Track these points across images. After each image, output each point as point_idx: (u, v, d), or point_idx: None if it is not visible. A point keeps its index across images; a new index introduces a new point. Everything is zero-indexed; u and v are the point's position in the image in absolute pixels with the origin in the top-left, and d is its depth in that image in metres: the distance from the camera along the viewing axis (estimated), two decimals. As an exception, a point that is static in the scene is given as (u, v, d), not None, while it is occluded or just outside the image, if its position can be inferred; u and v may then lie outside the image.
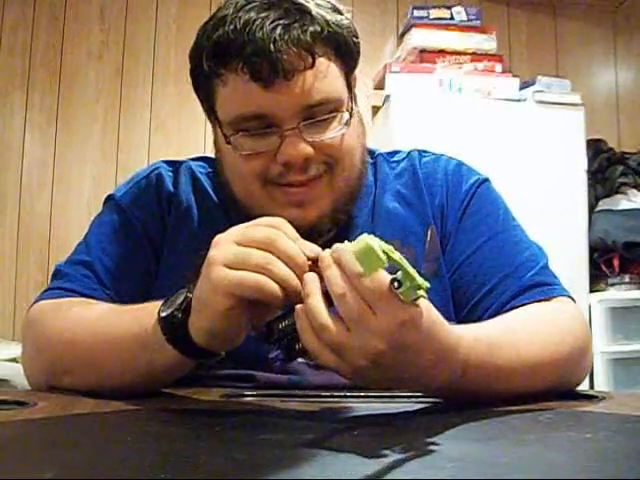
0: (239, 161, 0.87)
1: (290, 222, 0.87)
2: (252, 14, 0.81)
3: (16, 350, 2.24)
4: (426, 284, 0.59)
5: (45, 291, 0.92)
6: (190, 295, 0.69)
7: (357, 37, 0.90)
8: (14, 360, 2.21)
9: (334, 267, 0.60)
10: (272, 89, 0.81)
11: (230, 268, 0.63)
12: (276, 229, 0.64)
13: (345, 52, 0.87)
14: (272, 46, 0.79)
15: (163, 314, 0.69)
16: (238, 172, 0.89)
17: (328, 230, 0.91)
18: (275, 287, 0.62)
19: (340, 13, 0.87)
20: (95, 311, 0.84)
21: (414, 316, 0.60)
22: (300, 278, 0.62)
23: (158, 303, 0.72)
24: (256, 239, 0.64)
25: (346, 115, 0.87)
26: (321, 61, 0.84)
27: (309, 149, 0.84)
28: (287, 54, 0.80)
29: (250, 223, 0.67)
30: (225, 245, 0.65)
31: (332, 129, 0.86)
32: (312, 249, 0.64)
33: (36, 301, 0.91)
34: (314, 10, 0.84)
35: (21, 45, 2.96)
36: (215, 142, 0.93)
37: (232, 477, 0.42)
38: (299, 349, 0.62)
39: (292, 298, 0.62)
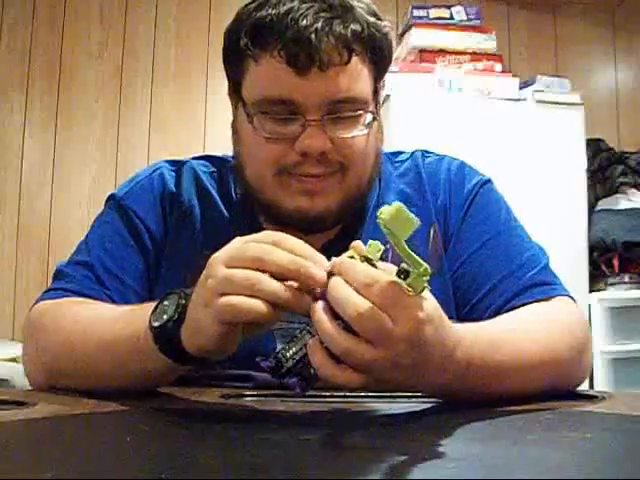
0: (258, 143, 0.87)
1: (297, 211, 0.88)
2: (296, 3, 0.82)
3: (16, 350, 2.24)
4: (429, 269, 0.58)
5: (46, 292, 0.92)
6: (182, 302, 0.67)
7: (392, 46, 0.91)
8: (14, 360, 2.21)
9: (340, 288, 0.59)
10: (305, 77, 0.82)
11: (221, 294, 0.61)
12: (270, 244, 0.62)
13: (379, 57, 0.88)
14: (313, 36, 0.80)
15: (155, 324, 0.68)
16: (255, 155, 0.89)
17: (332, 226, 0.91)
18: (262, 307, 0.60)
19: (381, 20, 0.88)
20: (91, 312, 0.84)
21: (429, 311, 0.60)
22: (299, 281, 0.61)
23: (151, 306, 0.71)
24: (246, 258, 0.62)
25: (369, 117, 0.88)
26: (356, 60, 0.85)
27: (328, 143, 0.85)
28: (326, 46, 0.81)
29: (246, 239, 0.65)
30: (216, 268, 0.63)
31: (354, 128, 0.87)
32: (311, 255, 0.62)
33: (37, 302, 0.91)
34: (357, 9, 0.85)
35: (21, 45, 2.96)
36: (233, 123, 0.93)
37: (232, 477, 0.42)
38: (315, 374, 0.60)
39: (289, 309, 0.62)
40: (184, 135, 2.99)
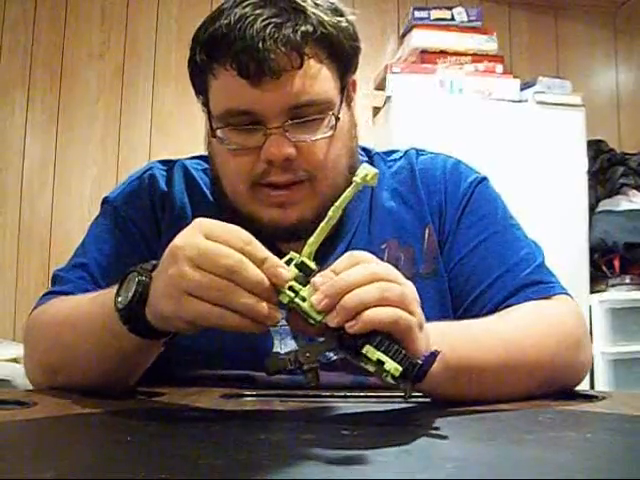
0: (226, 156, 0.87)
1: (272, 223, 0.87)
2: (247, 10, 0.82)
3: (17, 350, 2.25)
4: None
5: (42, 296, 0.93)
6: (142, 279, 0.67)
7: (356, 40, 0.89)
8: (15, 360, 2.21)
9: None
10: (259, 87, 0.82)
11: (191, 295, 0.61)
12: (239, 250, 0.61)
13: (340, 54, 0.87)
14: (261, 44, 0.79)
15: (120, 306, 0.69)
16: (227, 169, 0.89)
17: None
18: (236, 320, 0.60)
19: (341, 15, 0.86)
20: (71, 302, 0.85)
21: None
22: (267, 299, 0.61)
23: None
24: (218, 266, 0.60)
25: (334, 119, 0.86)
26: (311, 62, 0.83)
27: (291, 150, 0.83)
28: (275, 53, 0.80)
29: (206, 230, 0.63)
30: (182, 264, 0.61)
31: (318, 131, 0.85)
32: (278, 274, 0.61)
33: (34, 308, 0.92)
34: (310, 10, 0.83)
35: (22, 45, 2.96)
36: (207, 135, 0.93)
37: (232, 477, 0.42)
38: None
39: (262, 323, 0.61)
40: (185, 136, 2.98)
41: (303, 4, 0.83)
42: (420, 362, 0.58)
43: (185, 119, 3.01)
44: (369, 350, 0.58)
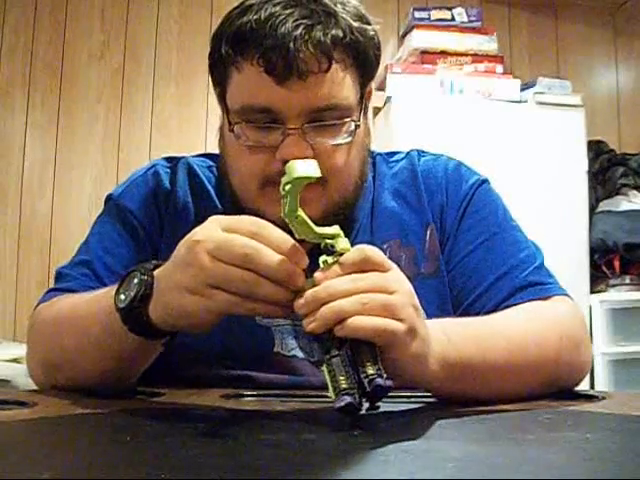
0: (241, 153, 0.87)
1: (279, 221, 0.87)
2: (278, 8, 0.81)
3: (17, 350, 2.25)
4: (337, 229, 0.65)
5: (45, 294, 0.93)
6: (145, 278, 0.68)
7: (379, 50, 0.89)
8: (15, 360, 2.21)
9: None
10: (284, 86, 0.81)
11: (215, 287, 0.62)
12: (254, 234, 0.62)
13: (364, 62, 0.87)
14: (291, 44, 0.79)
15: (121, 305, 0.69)
16: (239, 165, 0.89)
17: None
18: (264, 308, 0.62)
19: (368, 23, 0.87)
20: (74, 300, 0.85)
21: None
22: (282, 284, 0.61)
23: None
24: (234, 254, 0.61)
25: (353, 125, 0.86)
26: (337, 67, 0.83)
27: (309, 152, 0.83)
28: (304, 54, 0.80)
29: (224, 223, 0.64)
30: (201, 258, 0.62)
31: (337, 136, 0.85)
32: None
33: (37, 305, 0.92)
34: (340, 15, 0.83)
35: (22, 45, 2.96)
36: (221, 129, 0.93)
37: (232, 477, 0.42)
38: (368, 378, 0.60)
39: (287, 307, 0.62)
40: (185, 136, 2.99)
41: (334, 8, 0.83)
42: (353, 399, 0.59)
43: (185, 120, 3.01)
44: (323, 371, 0.61)
